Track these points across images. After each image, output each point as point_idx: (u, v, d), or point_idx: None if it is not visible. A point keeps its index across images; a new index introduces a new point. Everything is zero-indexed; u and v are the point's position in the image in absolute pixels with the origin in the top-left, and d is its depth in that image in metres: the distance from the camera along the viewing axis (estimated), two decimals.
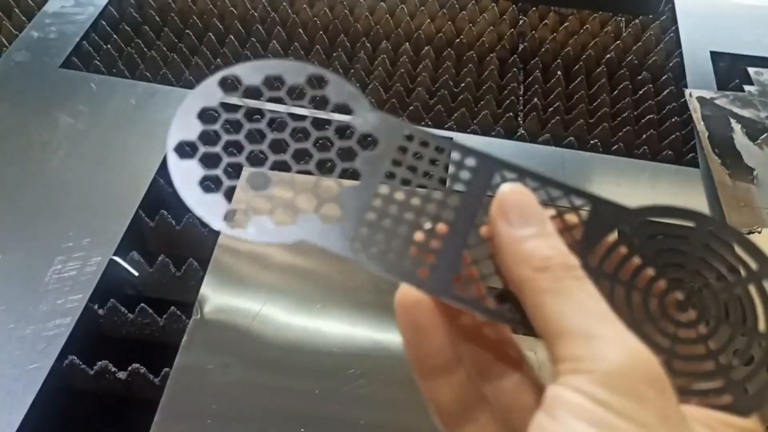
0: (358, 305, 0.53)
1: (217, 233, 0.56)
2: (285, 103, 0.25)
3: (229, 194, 0.24)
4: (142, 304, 0.53)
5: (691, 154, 0.69)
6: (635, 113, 0.74)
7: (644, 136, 0.71)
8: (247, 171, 0.24)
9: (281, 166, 0.24)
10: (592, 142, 0.70)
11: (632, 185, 0.65)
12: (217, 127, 0.24)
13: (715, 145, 0.68)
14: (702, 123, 0.70)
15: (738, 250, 0.23)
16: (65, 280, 0.53)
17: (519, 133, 0.70)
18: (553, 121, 0.71)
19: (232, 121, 0.24)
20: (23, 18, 0.80)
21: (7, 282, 0.53)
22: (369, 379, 0.49)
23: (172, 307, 0.53)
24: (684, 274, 0.23)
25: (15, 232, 0.56)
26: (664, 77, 0.78)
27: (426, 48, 0.80)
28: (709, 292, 0.23)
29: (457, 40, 0.82)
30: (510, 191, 0.23)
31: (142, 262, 0.56)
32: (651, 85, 0.77)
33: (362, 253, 0.23)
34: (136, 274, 0.56)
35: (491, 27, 0.83)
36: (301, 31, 0.81)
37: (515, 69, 0.79)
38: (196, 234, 0.59)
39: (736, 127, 0.70)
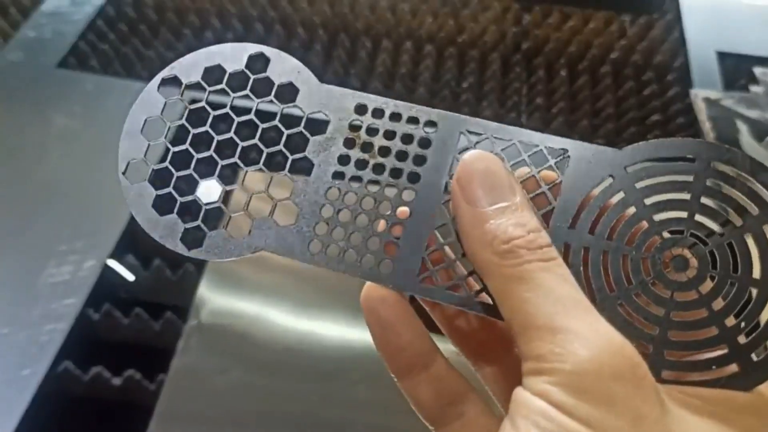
0: (359, 308, 0.52)
1: None
2: (228, 96, 0.23)
3: (184, 211, 0.22)
4: (138, 309, 0.52)
5: None
6: (640, 113, 0.73)
7: (649, 136, 0.70)
8: (201, 185, 0.23)
9: (232, 170, 0.23)
10: (596, 142, 0.68)
11: None
12: (163, 139, 0.23)
13: None
14: (708, 124, 0.69)
15: (750, 182, 0.19)
16: (59, 284, 0.52)
17: None
18: (556, 121, 0.70)
19: (179, 127, 0.23)
20: (19, 17, 0.79)
21: None
22: (368, 383, 0.48)
23: (168, 312, 0.52)
24: (683, 224, 0.20)
25: (7, 234, 0.55)
26: (669, 77, 0.77)
27: (428, 46, 0.79)
28: (713, 241, 0.19)
29: (460, 38, 0.81)
30: (471, 160, 0.20)
31: (138, 265, 0.55)
32: (656, 85, 0.76)
33: (321, 255, 0.22)
34: (132, 277, 0.55)
35: (494, 25, 0.82)
36: (301, 29, 0.80)
37: (518, 68, 0.78)
38: None
39: (742, 127, 0.69)
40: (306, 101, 0.22)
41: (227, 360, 0.49)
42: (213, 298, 0.51)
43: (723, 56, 0.79)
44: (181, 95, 0.23)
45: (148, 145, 0.23)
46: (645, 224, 0.20)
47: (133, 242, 0.57)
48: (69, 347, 0.49)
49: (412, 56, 0.78)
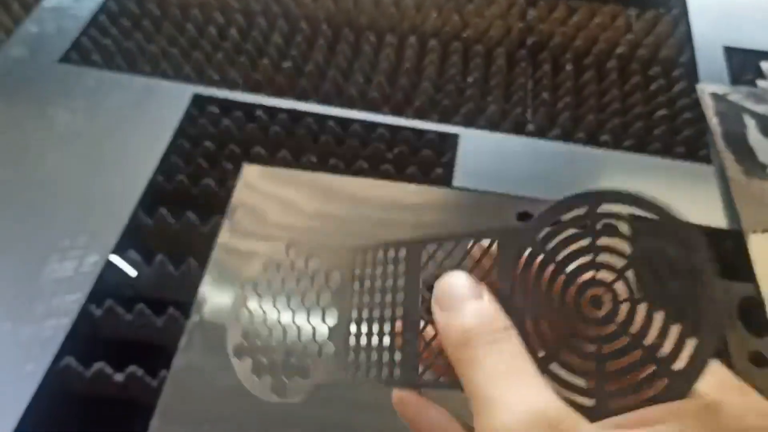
0: None
1: (216, 231, 0.55)
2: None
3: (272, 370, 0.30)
4: (140, 305, 0.52)
5: (703, 150, 0.68)
6: (647, 109, 0.72)
7: (656, 132, 0.69)
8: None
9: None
10: (602, 138, 0.68)
11: (644, 182, 0.64)
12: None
13: (728, 141, 0.66)
14: (715, 119, 0.68)
15: (628, 221, 0.22)
16: (61, 280, 0.51)
17: (528, 129, 0.69)
18: (562, 116, 0.69)
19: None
20: (21, 12, 0.79)
21: (1, 282, 0.51)
22: (372, 385, 0.47)
23: (171, 308, 0.51)
24: (590, 267, 0.22)
25: (9, 230, 0.55)
26: (675, 72, 0.76)
27: (432, 41, 0.79)
28: (616, 275, 0.22)
29: (464, 33, 0.80)
30: (441, 281, 0.24)
31: (141, 261, 0.55)
32: (663, 80, 0.75)
33: (354, 376, 0.28)
34: (135, 273, 0.55)
35: (499, 20, 0.82)
36: (304, 24, 0.79)
37: (523, 63, 0.77)
38: (196, 233, 0.58)
39: (750, 123, 0.69)
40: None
41: (230, 357, 0.48)
42: (216, 295, 0.51)
43: (730, 51, 0.78)
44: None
45: (243, 330, 0.31)
46: (563, 278, 0.23)
47: (136, 238, 0.57)
48: (71, 343, 0.49)
49: (416, 51, 0.77)
